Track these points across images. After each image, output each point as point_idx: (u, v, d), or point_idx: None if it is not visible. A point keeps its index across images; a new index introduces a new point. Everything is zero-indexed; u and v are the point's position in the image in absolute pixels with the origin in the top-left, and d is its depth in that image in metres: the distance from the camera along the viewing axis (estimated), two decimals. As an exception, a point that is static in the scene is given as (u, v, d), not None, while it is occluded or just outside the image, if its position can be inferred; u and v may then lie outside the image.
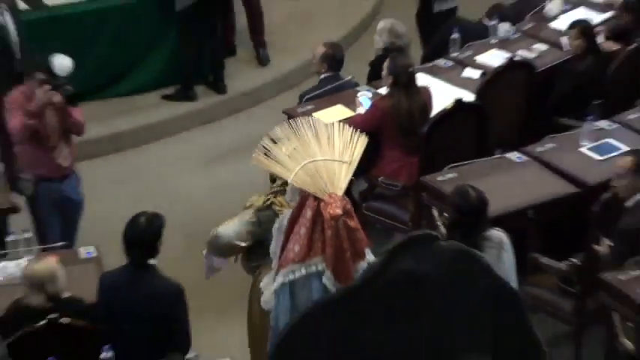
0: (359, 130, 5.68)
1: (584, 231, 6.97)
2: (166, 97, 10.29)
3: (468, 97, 8.25)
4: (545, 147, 7.78)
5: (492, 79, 8.46)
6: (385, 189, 7.94)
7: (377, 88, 8.38)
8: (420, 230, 6.08)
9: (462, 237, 6.07)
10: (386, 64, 8.06)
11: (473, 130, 8.05)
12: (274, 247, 5.85)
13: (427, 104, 8.00)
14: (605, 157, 7.51)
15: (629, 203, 6.75)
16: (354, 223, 5.49)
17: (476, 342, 5.48)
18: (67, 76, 7.75)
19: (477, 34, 9.36)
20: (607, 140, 7.71)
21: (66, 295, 6.20)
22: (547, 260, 7.14)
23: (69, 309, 6.11)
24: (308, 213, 5.50)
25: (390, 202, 7.97)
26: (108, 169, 9.40)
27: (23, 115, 7.54)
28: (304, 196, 5.55)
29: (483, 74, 8.63)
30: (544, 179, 7.51)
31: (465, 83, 8.59)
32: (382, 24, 8.89)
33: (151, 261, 6.17)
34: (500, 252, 6.22)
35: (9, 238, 6.92)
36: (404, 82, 7.92)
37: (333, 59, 8.51)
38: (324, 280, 5.53)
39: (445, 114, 7.92)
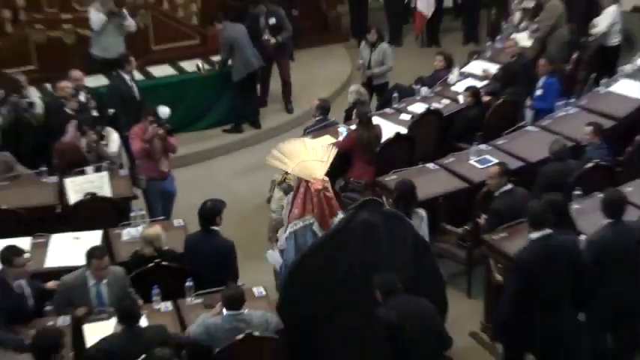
0: (340, 149, 5.82)
1: (471, 210, 6.91)
2: (226, 131, 10.13)
3: (404, 131, 8.18)
4: (449, 160, 7.70)
5: (418, 120, 8.39)
6: (355, 185, 7.85)
7: (349, 125, 8.30)
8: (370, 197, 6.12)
9: (403, 210, 6.04)
10: (355, 112, 8.01)
11: (406, 151, 7.98)
12: (285, 213, 5.89)
13: (379, 135, 7.92)
14: (484, 166, 7.41)
15: (496, 194, 6.72)
16: (330, 194, 5.58)
17: (401, 268, 5.49)
18: (166, 118, 7.72)
19: (408, 94, 9.27)
20: (485, 156, 7.62)
21: (165, 248, 6.15)
22: (450, 227, 7.09)
23: (167, 257, 6.07)
24: (302, 190, 5.60)
25: (357, 193, 7.83)
26: (190, 173, 9.23)
27: (141, 141, 7.48)
28: (299, 181, 5.65)
29: (412, 117, 8.54)
30: (449, 179, 7.43)
31: (401, 123, 8.47)
32: (352, 87, 8.82)
33: (215, 228, 6.11)
34: (421, 222, 6.23)
35: (131, 214, 6.85)
36: (365, 122, 7.85)
37: (323, 108, 8.46)
38: (314, 228, 5.57)
39: (390, 141, 7.88)
